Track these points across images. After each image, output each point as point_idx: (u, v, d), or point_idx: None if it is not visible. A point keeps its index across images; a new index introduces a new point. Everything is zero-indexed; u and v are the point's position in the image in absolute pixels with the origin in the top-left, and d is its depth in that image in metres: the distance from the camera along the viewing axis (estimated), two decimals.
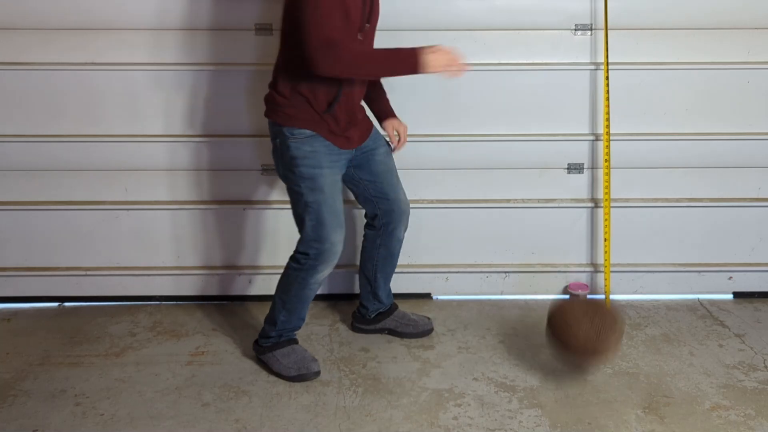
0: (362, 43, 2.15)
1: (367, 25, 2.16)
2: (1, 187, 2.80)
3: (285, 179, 2.25)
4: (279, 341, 2.38)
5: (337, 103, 2.15)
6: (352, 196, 2.48)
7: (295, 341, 2.41)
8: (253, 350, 2.45)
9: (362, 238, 2.55)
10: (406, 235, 2.75)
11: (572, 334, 2.21)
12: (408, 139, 2.71)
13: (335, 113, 2.16)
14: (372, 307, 2.62)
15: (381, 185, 2.40)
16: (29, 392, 2.29)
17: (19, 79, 2.69)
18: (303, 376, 2.32)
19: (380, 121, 2.45)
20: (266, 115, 2.24)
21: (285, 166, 2.21)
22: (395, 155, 2.48)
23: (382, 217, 2.44)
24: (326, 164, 2.19)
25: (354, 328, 2.68)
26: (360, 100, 2.31)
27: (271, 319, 2.37)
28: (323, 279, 2.30)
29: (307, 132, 2.16)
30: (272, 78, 2.22)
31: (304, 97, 2.13)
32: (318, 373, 2.34)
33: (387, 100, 2.46)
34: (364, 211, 2.50)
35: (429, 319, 2.68)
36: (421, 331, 2.62)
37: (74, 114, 2.73)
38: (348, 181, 2.39)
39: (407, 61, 2.00)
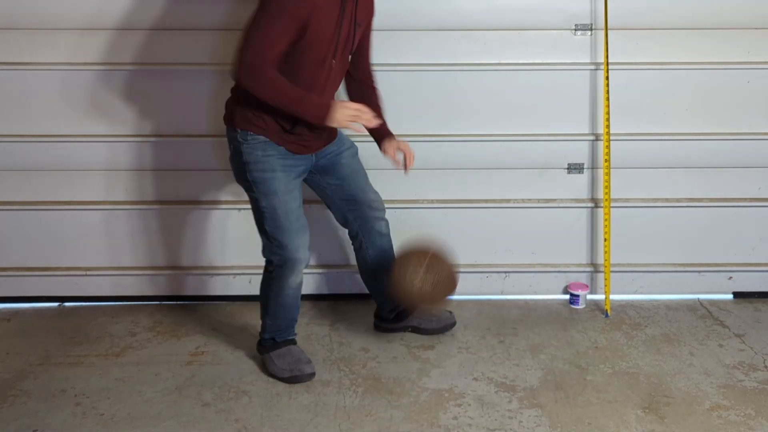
0: (331, 69, 2.13)
1: (341, 56, 2.14)
2: (1, 187, 2.80)
3: (241, 184, 2.24)
4: (276, 342, 2.38)
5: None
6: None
7: (292, 342, 2.40)
8: (257, 351, 2.45)
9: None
10: (406, 235, 2.75)
11: (408, 285, 2.27)
12: (408, 139, 2.71)
13: (301, 128, 2.16)
14: (387, 307, 2.59)
15: (348, 187, 2.36)
16: (29, 392, 2.29)
17: (19, 79, 2.69)
18: (296, 377, 2.31)
19: (378, 142, 2.34)
20: (224, 119, 2.23)
21: (239, 171, 2.20)
22: (408, 176, 2.41)
23: (355, 221, 2.42)
24: (279, 168, 2.16)
25: (377, 328, 2.66)
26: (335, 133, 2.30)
27: (262, 322, 2.39)
28: (298, 283, 2.28)
29: (260, 138, 2.14)
30: (232, 88, 2.21)
31: (266, 105, 2.08)
32: (312, 375, 2.33)
33: (384, 122, 2.34)
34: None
35: (451, 313, 2.66)
36: (444, 325, 2.61)
37: (74, 114, 2.73)
38: (315, 188, 2.38)
39: (316, 111, 2.05)
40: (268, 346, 2.39)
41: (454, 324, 2.64)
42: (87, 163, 2.77)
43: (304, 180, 2.32)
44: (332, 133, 2.32)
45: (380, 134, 2.34)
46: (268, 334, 2.38)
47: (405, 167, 2.34)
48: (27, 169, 2.79)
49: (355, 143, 2.40)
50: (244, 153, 2.15)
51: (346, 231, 2.48)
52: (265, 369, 2.39)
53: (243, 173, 2.19)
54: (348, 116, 2.06)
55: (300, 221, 2.21)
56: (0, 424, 2.12)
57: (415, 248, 2.37)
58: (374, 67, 2.40)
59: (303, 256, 2.21)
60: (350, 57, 2.22)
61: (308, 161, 2.26)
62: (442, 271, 2.31)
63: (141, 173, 2.80)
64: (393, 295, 2.33)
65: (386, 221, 2.48)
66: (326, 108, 2.05)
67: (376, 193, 2.45)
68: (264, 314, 2.37)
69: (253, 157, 2.15)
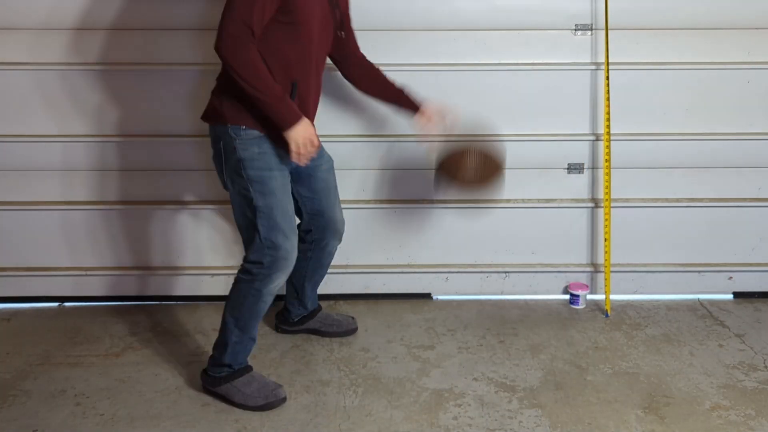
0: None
1: (341, 33, 2.17)
2: (1, 187, 2.80)
3: (231, 183, 2.12)
4: (235, 370, 2.21)
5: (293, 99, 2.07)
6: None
7: (250, 368, 2.25)
8: (203, 383, 2.26)
9: None
10: (406, 235, 2.74)
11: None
12: (408, 139, 2.71)
13: None
14: (295, 312, 2.61)
15: (319, 202, 2.36)
16: (29, 392, 2.29)
17: (19, 79, 2.69)
18: (271, 404, 2.17)
19: (414, 113, 2.36)
20: (206, 118, 2.14)
21: (231, 170, 2.09)
22: (445, 100, 2.41)
23: (316, 233, 2.42)
24: (276, 166, 2.09)
25: (278, 329, 2.65)
26: (315, 105, 2.22)
27: (221, 343, 2.20)
28: (277, 290, 2.17)
29: (255, 132, 2.05)
30: (218, 80, 2.13)
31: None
32: (285, 399, 2.20)
33: (402, 92, 2.35)
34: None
35: (353, 318, 2.68)
36: (345, 330, 2.62)
37: (74, 114, 2.73)
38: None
39: (288, 116, 1.98)
40: (223, 375, 2.20)
41: (355, 330, 2.65)
42: (87, 163, 2.77)
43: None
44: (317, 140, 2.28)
45: (414, 103, 2.35)
46: (228, 358, 2.19)
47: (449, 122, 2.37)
48: (27, 169, 2.79)
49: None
50: (238, 149, 2.05)
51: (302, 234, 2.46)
52: (229, 401, 2.20)
53: (236, 171, 2.07)
54: (304, 139, 2.01)
55: (293, 221, 2.15)
56: (0, 424, 2.12)
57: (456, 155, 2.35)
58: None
59: (294, 257, 2.14)
60: (341, 36, 2.22)
61: (292, 163, 2.15)
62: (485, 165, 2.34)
63: (142, 173, 2.80)
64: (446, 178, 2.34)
65: (339, 242, 2.49)
66: (297, 118, 2.00)
67: (341, 212, 2.45)
68: (230, 330, 2.17)
69: (248, 154, 2.05)
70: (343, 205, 2.47)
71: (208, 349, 2.54)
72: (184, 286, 2.92)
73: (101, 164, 2.78)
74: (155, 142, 2.75)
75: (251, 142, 2.06)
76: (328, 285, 2.91)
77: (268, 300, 2.16)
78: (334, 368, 2.42)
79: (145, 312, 2.86)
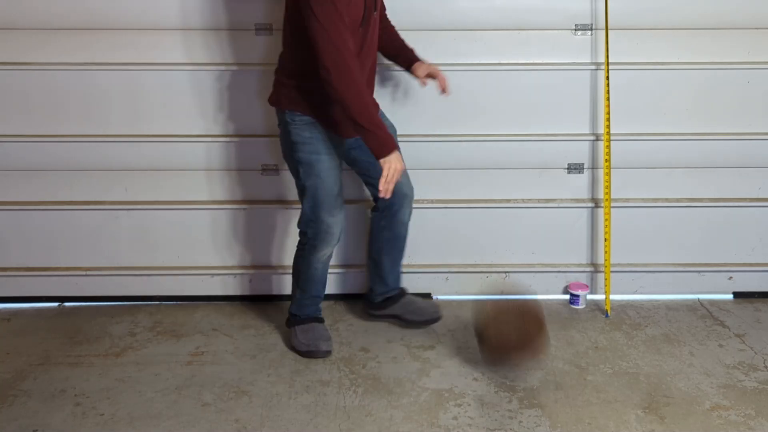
0: (364, 35, 2.18)
1: (375, 12, 2.21)
2: (1, 187, 2.80)
3: (287, 161, 2.36)
4: (300, 318, 2.51)
5: None
6: (360, 195, 2.50)
7: (318, 319, 2.53)
8: (285, 325, 2.58)
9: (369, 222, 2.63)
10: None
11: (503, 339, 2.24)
12: (408, 139, 2.71)
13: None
14: (378, 290, 2.65)
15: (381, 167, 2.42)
16: (29, 392, 2.29)
17: (19, 79, 2.69)
18: (312, 353, 2.45)
19: (409, 68, 2.48)
20: (271, 102, 2.32)
21: (286, 151, 2.33)
22: (445, 100, 2.52)
23: (384, 200, 2.46)
24: (324, 150, 2.27)
25: (365, 313, 2.74)
26: (372, 87, 2.34)
27: (292, 296, 2.53)
28: (327, 258, 2.42)
29: (307, 118, 2.23)
30: (279, 65, 2.30)
31: (312, 85, 2.15)
32: (328, 353, 2.46)
33: (411, 50, 2.48)
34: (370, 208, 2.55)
35: (438, 307, 2.70)
36: (428, 318, 2.65)
37: (74, 114, 2.73)
38: (351, 163, 2.46)
39: (381, 141, 2.11)
40: (293, 320, 2.52)
41: (438, 318, 2.67)
42: (87, 163, 2.77)
43: (344, 157, 2.42)
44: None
45: (410, 60, 2.47)
46: (295, 308, 2.51)
47: (443, 90, 2.47)
48: (27, 169, 2.79)
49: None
50: (292, 133, 2.25)
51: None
52: (288, 342, 2.54)
53: (290, 152, 2.30)
54: (395, 168, 2.13)
55: (338, 200, 2.33)
56: (0, 424, 2.12)
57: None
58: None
59: (336, 232, 2.35)
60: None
61: (350, 140, 2.35)
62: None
63: (141, 173, 2.80)
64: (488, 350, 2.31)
65: (411, 210, 2.56)
66: (393, 147, 2.14)
67: (407, 176, 2.50)
68: (294, 288, 2.50)
69: (300, 138, 2.25)
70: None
71: (208, 349, 2.56)
72: (185, 286, 2.92)
73: (101, 164, 2.77)
74: (160, 142, 2.75)
75: (304, 127, 2.25)
76: (329, 285, 2.91)
77: (319, 267, 2.44)
78: (334, 368, 2.42)
79: (145, 312, 2.86)
